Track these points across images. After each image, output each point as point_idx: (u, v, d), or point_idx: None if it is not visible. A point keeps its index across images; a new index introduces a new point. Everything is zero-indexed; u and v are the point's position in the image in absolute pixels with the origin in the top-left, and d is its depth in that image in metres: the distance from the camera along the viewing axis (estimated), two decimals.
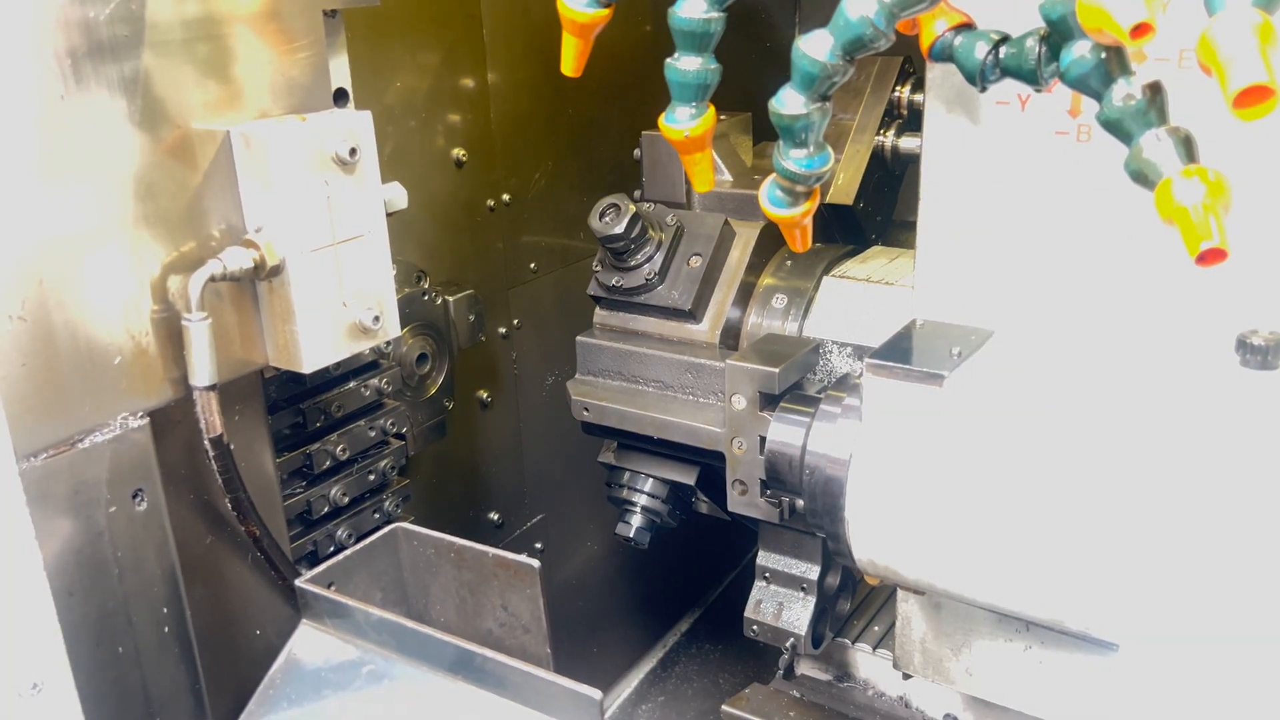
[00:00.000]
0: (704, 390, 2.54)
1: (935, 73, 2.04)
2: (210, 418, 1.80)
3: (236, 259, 1.79)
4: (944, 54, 1.70)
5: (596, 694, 1.54)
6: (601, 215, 2.52)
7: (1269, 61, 1.28)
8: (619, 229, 2.51)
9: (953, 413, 1.92)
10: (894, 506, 1.95)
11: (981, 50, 1.63)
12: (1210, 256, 1.32)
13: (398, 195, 2.08)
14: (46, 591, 1.55)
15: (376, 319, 1.96)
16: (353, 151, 1.88)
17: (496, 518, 3.05)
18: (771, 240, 2.63)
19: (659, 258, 2.56)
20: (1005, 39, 1.62)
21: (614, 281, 2.60)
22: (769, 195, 1.81)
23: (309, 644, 1.77)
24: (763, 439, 2.34)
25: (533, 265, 2.99)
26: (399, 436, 2.39)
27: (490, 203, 2.83)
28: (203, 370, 1.77)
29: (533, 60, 2.84)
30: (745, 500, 2.44)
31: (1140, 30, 1.31)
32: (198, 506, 1.92)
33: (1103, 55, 1.41)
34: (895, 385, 1.96)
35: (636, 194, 2.78)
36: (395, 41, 2.47)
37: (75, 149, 1.64)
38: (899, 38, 1.63)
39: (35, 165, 1.59)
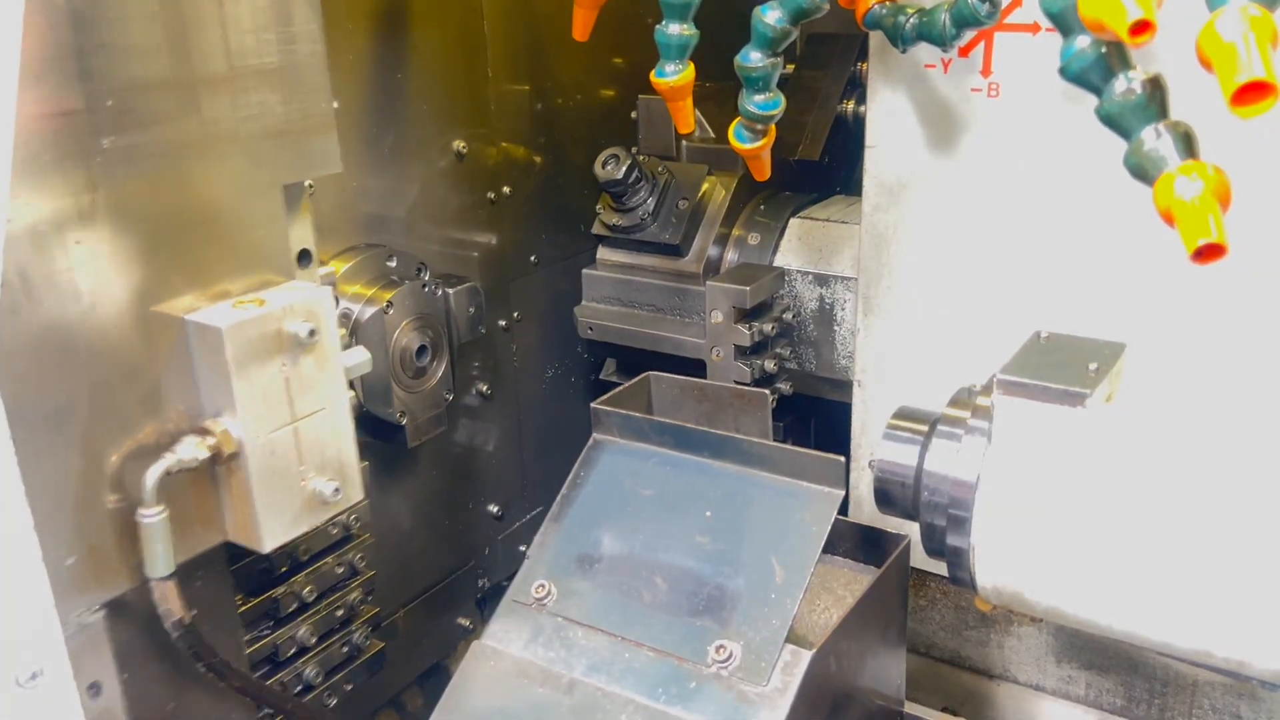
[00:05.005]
0: (689, 311, 2.46)
1: (876, 41, 1.94)
2: (169, 605, 1.43)
3: (192, 450, 1.40)
4: (874, 23, 1.75)
5: (840, 459, 1.57)
6: (604, 164, 2.37)
7: (1268, 58, 1.00)
8: (619, 175, 2.36)
9: (1099, 434, 1.48)
10: (1029, 533, 1.50)
11: (901, 19, 1.70)
12: (1208, 253, 1.04)
13: (360, 361, 1.67)
14: (45, 580, 1.24)
15: (337, 490, 1.57)
16: (312, 333, 1.49)
17: (496, 510, 2.55)
18: (747, 188, 2.48)
19: (652, 201, 2.43)
20: (920, 10, 1.68)
21: (614, 221, 2.46)
22: (736, 133, 1.83)
23: (601, 449, 1.81)
24: (736, 347, 2.29)
25: (533, 258, 2.53)
26: (366, 566, 1.99)
27: (491, 195, 2.36)
28: (159, 563, 1.40)
29: (533, 52, 2.41)
30: None
31: (1140, 27, 1.03)
32: (160, 673, 1.52)
33: (1103, 50, 1.12)
34: (1031, 405, 1.50)
35: (634, 149, 2.53)
36: (397, 33, 2.05)
37: (31, 352, 1.26)
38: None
39: None
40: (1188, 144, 1.10)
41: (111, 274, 1.34)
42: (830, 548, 1.82)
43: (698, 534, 1.64)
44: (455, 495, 2.38)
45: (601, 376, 2.69)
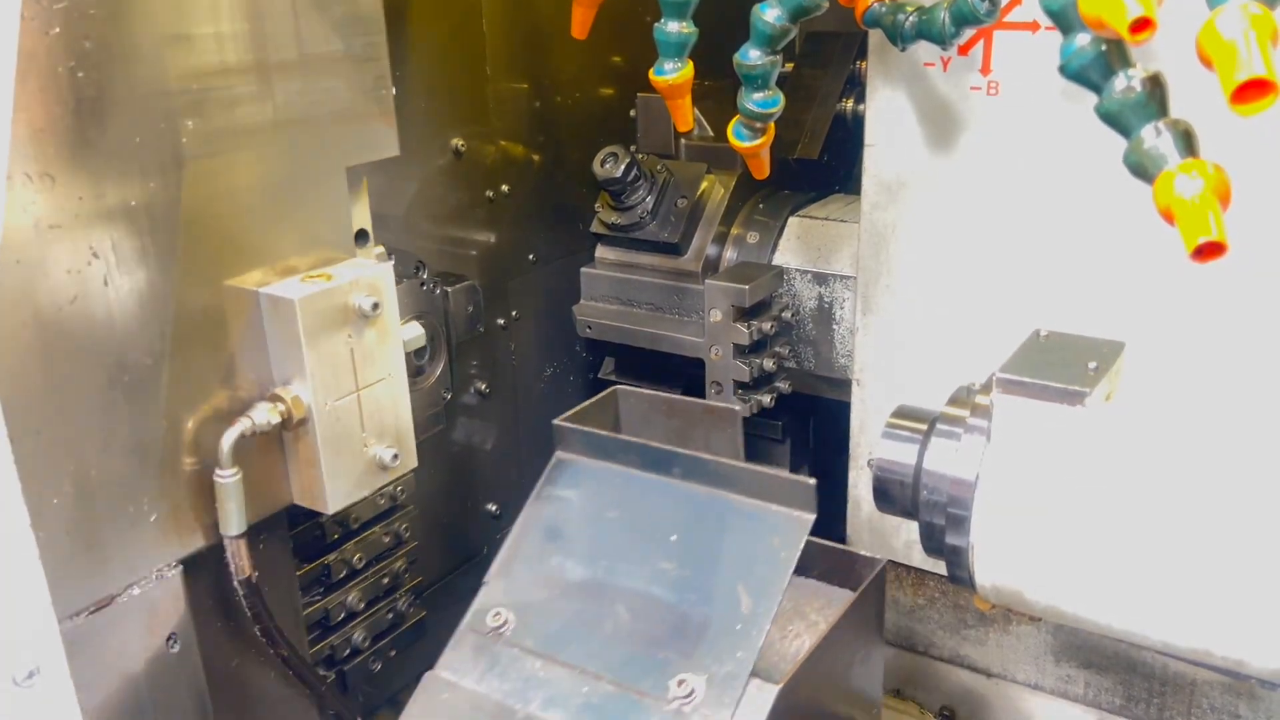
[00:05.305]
0: (687, 310, 2.44)
1: (875, 39, 1.93)
2: (240, 562, 1.54)
3: (264, 415, 1.51)
4: (874, 21, 1.75)
5: (811, 481, 1.52)
6: (602, 162, 2.36)
7: (1269, 56, 1.00)
8: (618, 173, 2.34)
9: (1098, 432, 1.47)
10: (1028, 532, 1.48)
11: (901, 17, 1.70)
12: (1208, 251, 1.03)
13: (416, 335, 1.82)
14: (42, 579, 1.27)
15: (395, 456, 1.68)
16: (375, 306, 1.59)
17: (495, 509, 2.50)
18: (746, 186, 2.47)
19: (651, 200, 2.41)
20: (920, 9, 1.68)
21: (613, 220, 2.44)
22: (736, 131, 1.82)
23: (565, 467, 1.75)
24: (735, 345, 2.28)
25: (531, 256, 2.51)
26: (411, 536, 2.08)
27: (489, 193, 2.35)
28: (233, 521, 1.51)
29: (532, 50, 2.40)
30: (720, 399, 2.35)
31: (1140, 25, 1.03)
32: (226, 631, 1.64)
33: (1102, 48, 1.12)
34: (1030, 404, 1.49)
35: (633, 148, 2.51)
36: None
37: (114, 326, 1.36)
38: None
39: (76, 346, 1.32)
40: (1188, 142, 1.09)
41: (190, 248, 1.44)
42: (804, 570, 1.76)
43: (663, 559, 1.58)
44: (453, 494, 2.38)
45: (600, 375, 2.68)
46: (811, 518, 1.52)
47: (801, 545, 1.50)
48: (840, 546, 1.78)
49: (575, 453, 1.75)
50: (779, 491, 1.54)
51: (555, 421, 1.76)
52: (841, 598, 1.74)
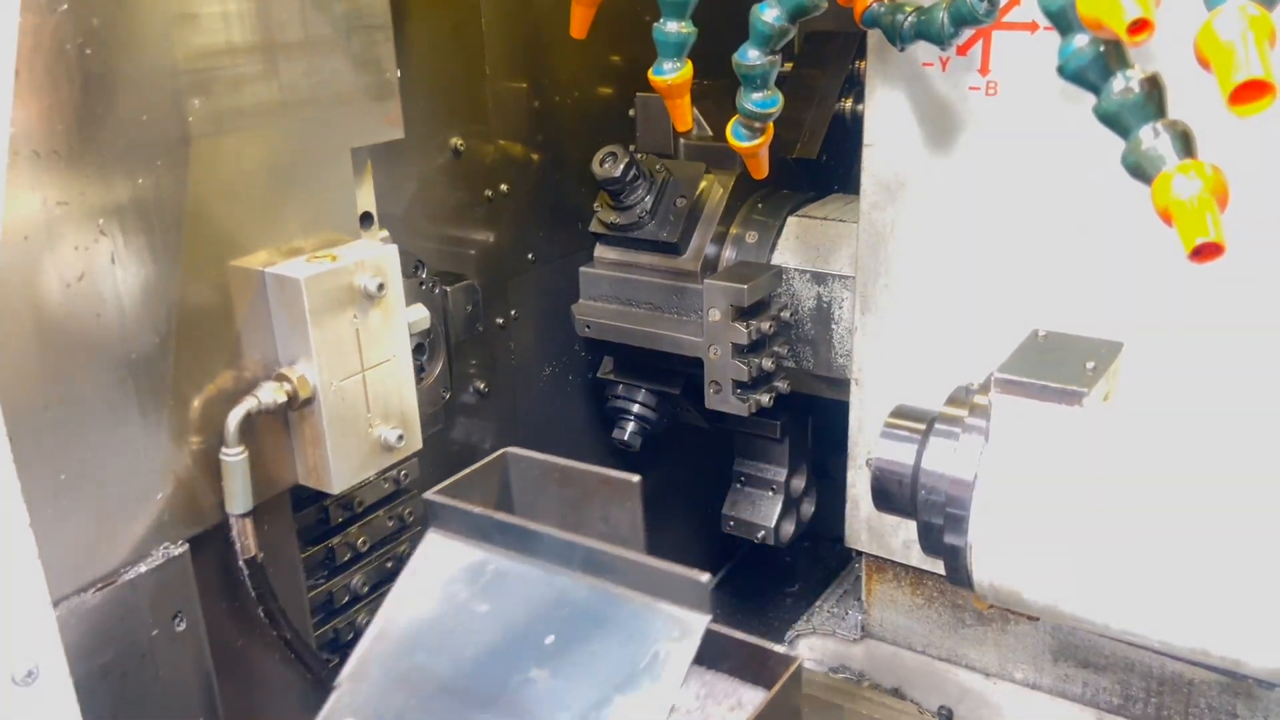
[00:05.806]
0: (686, 309, 2.43)
1: (874, 39, 1.94)
2: (245, 540, 1.55)
3: (270, 394, 1.52)
4: (872, 21, 1.76)
5: (705, 576, 1.35)
6: (601, 161, 2.35)
7: (1266, 57, 1.00)
8: (617, 173, 2.34)
9: (1096, 432, 1.46)
10: (1026, 531, 1.48)
11: (900, 17, 1.70)
12: (1206, 252, 1.04)
13: (421, 317, 1.83)
14: (40, 577, 1.26)
15: (400, 437, 1.69)
16: (380, 287, 1.60)
17: None
18: (745, 186, 2.46)
19: (649, 199, 2.41)
20: (919, 9, 1.68)
21: (611, 219, 2.44)
22: (734, 131, 1.82)
23: (437, 549, 1.58)
24: (734, 345, 2.28)
25: (530, 256, 2.50)
26: (415, 521, 2.07)
27: (488, 192, 2.35)
28: (239, 499, 1.52)
29: (531, 50, 2.39)
30: (719, 398, 2.35)
31: (1138, 26, 1.03)
32: (231, 611, 1.65)
33: (1101, 48, 1.12)
34: (1028, 404, 1.48)
35: (632, 147, 2.49)
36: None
37: (121, 303, 1.37)
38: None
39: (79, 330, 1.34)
40: (1186, 143, 1.10)
41: (196, 227, 1.45)
42: (715, 663, 1.56)
43: (535, 665, 1.39)
44: None
45: (599, 375, 2.68)
46: (705, 619, 1.34)
47: (691, 654, 1.33)
48: (752, 640, 1.54)
49: (449, 531, 1.58)
50: (669, 587, 1.38)
51: (426, 495, 1.60)
52: (754, 699, 1.52)
